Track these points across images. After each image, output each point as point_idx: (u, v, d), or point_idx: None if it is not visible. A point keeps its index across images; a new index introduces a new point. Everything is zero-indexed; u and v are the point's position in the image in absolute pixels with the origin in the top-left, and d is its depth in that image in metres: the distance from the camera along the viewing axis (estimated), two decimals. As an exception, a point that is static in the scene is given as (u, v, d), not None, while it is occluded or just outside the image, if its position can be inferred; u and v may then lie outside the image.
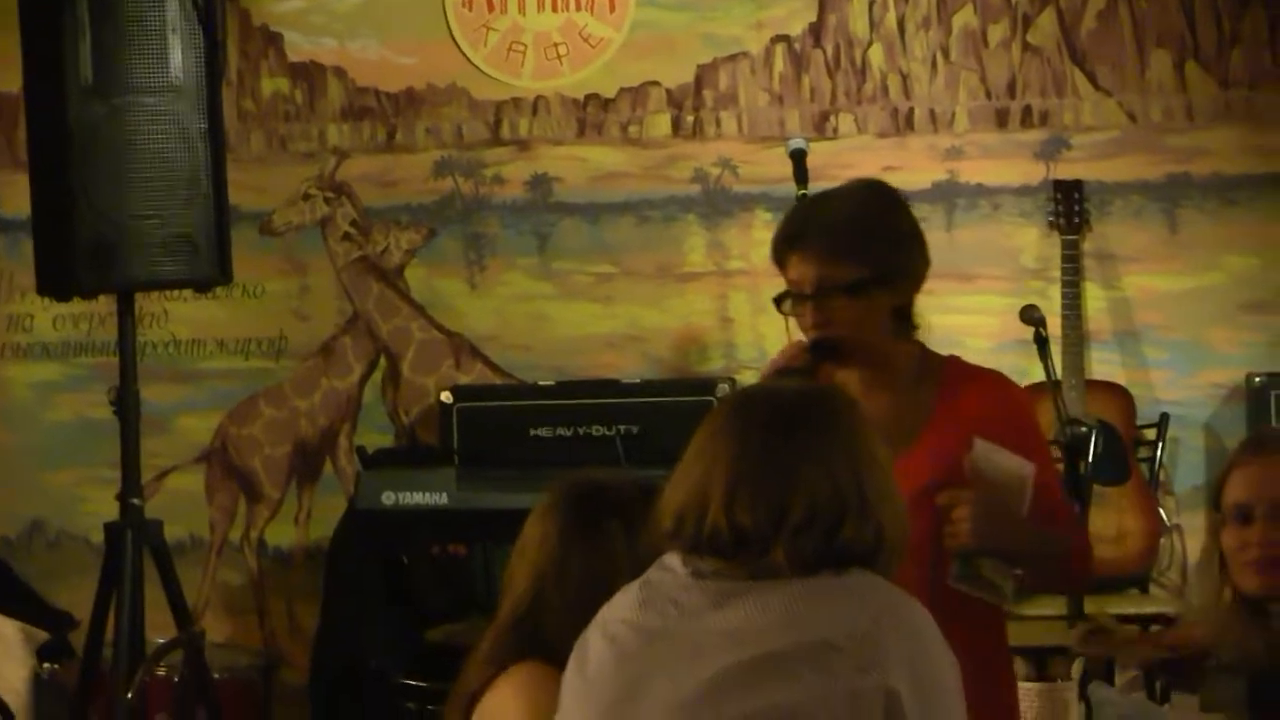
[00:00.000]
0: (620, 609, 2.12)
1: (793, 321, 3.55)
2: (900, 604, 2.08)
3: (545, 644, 2.40)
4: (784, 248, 2.96)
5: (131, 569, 4.18)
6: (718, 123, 5.44)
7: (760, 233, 5.37)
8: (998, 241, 5.40)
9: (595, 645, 2.12)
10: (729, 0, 5.36)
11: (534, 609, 2.45)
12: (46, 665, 4.55)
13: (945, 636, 2.16)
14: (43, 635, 4.65)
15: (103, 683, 4.24)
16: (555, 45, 5.37)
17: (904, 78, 5.40)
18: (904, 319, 3.00)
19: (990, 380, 3.10)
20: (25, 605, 4.80)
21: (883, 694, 1.94)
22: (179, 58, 4.18)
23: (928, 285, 4.83)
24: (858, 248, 2.89)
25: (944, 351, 4.57)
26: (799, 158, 4.94)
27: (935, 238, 4.59)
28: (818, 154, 5.13)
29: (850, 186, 3.31)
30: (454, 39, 5.33)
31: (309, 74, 5.42)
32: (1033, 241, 5.36)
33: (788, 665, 1.98)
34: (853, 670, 1.95)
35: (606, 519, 2.43)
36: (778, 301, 3.06)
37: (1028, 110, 5.40)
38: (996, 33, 5.36)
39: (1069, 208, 5.19)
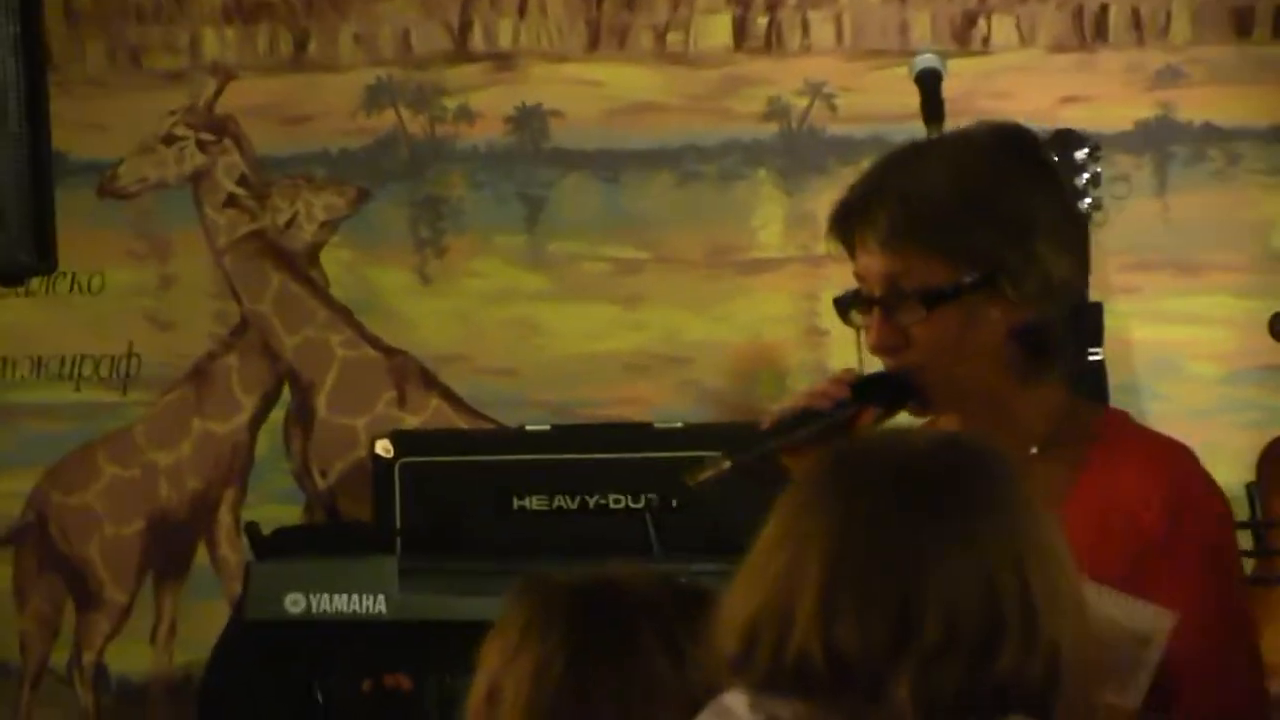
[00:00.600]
0: None
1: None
2: None
3: None
4: (843, 225, 2.19)
5: None
6: (804, 28, 4.36)
7: None
8: (1237, 213, 4.32)
9: None
10: None
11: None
12: None
13: None
14: None
15: None
16: None
17: None
18: (1035, 349, 2.19)
19: (1167, 458, 2.27)
20: None
21: None
22: None
23: (1131, 277, 4.39)
24: (955, 233, 2.13)
25: (1156, 379, 4.36)
26: (930, 81, 3.85)
27: (1140, 208, 4.31)
28: (957, 76, 3.99)
29: (963, 136, 2.40)
30: None
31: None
32: None
33: None
34: None
35: (638, 631, 1.71)
36: (839, 305, 2.29)
37: None
38: None
39: None
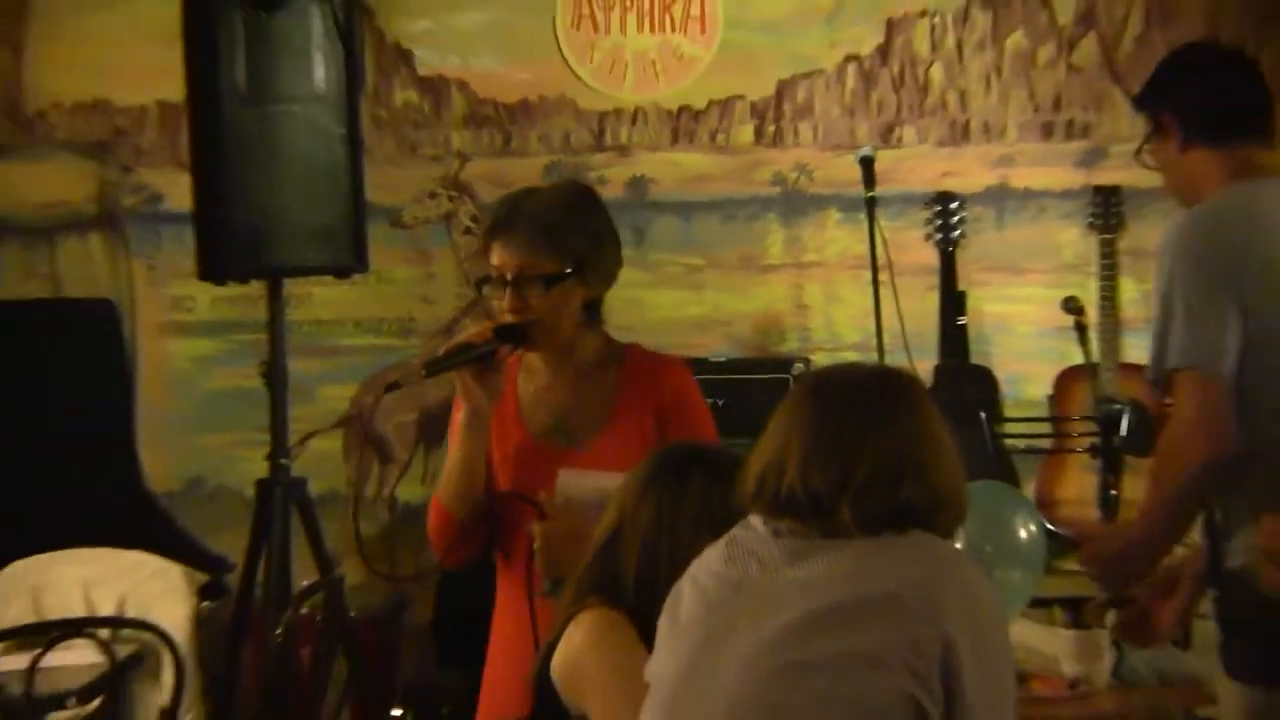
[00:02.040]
0: (709, 562, 2.09)
1: (858, 304, 4.41)
2: (955, 561, 2.05)
3: (613, 581, 2.36)
4: (491, 234, 2.82)
5: (279, 520, 4.18)
6: (795, 132, 5.42)
7: (832, 231, 5.35)
8: (1043, 240, 5.37)
9: (687, 594, 2.09)
10: (806, 23, 5.33)
11: (610, 545, 2.40)
12: (205, 604, 4.44)
13: None
14: (202, 577, 4.52)
15: (254, 620, 4.22)
16: (652, 63, 5.33)
17: (961, 94, 5.36)
18: (593, 310, 2.90)
19: (665, 368, 3.01)
20: (187, 551, 4.68)
21: (940, 641, 1.90)
22: (322, 71, 4.14)
23: (982, 276, 5.27)
24: (559, 243, 2.78)
25: (996, 335, 5.06)
26: (867, 164, 4.95)
27: (988, 236, 5.31)
28: (883, 160, 5.14)
29: (558, 186, 3.17)
30: (563, 56, 5.32)
31: (435, 87, 5.39)
32: (1073, 240, 5.33)
33: (855, 614, 1.93)
34: (913, 619, 1.91)
35: (692, 471, 2.36)
36: (478, 285, 2.97)
37: (1071, 123, 5.36)
38: (1044, 54, 5.35)
39: (1107, 210, 5.15)
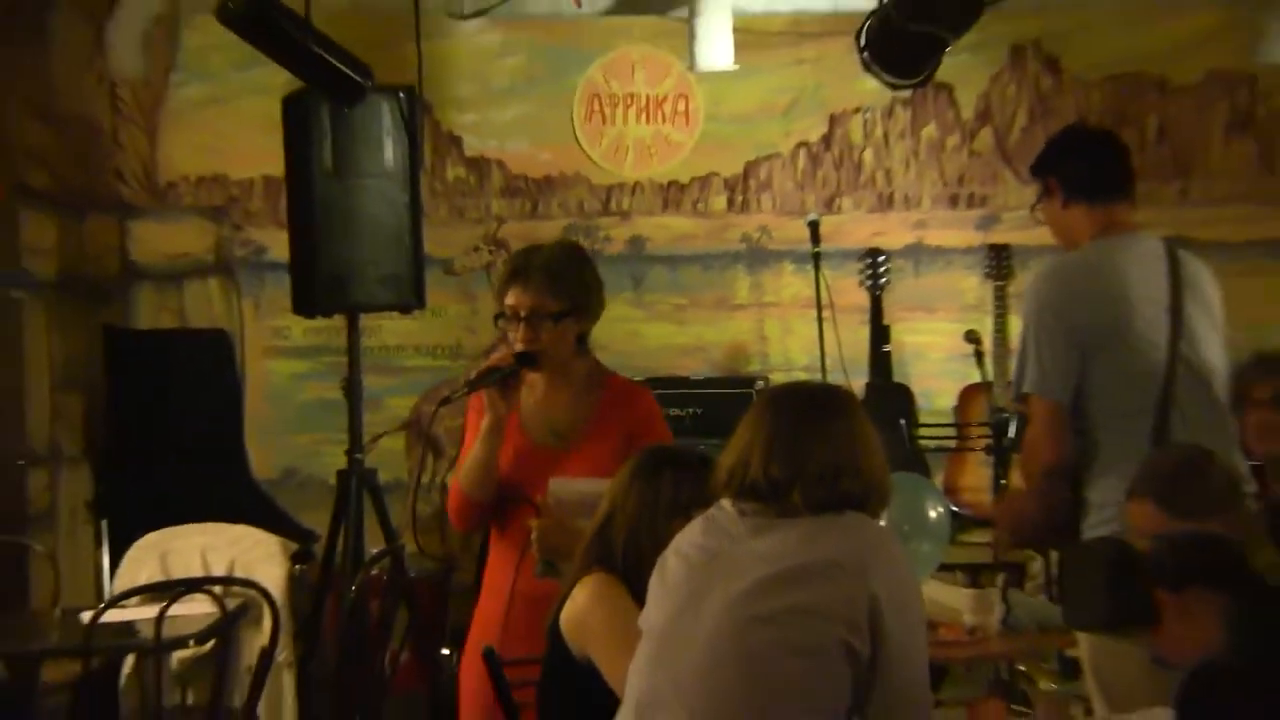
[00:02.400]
0: (691, 536, 2.11)
1: (807, 335, 4.44)
2: (881, 535, 2.07)
3: (611, 554, 2.36)
4: (509, 281, 2.84)
5: (355, 502, 4.25)
6: (758, 202, 5.49)
7: (787, 279, 5.38)
8: (950, 286, 5.45)
9: (673, 560, 2.10)
10: (768, 118, 5.43)
11: (605, 527, 2.40)
12: (297, 567, 4.45)
13: None
14: (294, 546, 4.51)
15: (334, 580, 4.29)
16: (648, 147, 5.44)
17: (886, 172, 5.43)
18: (583, 341, 2.92)
19: (636, 393, 3.01)
20: (283, 525, 4.70)
21: (868, 597, 1.93)
22: (391, 152, 4.19)
23: (903, 314, 5.21)
24: (562, 288, 2.80)
25: (914, 360, 5.05)
26: (814, 227, 5.09)
27: (907, 282, 5.33)
28: (827, 224, 5.22)
29: (559, 243, 3.24)
30: (579, 142, 5.43)
31: (479, 165, 5.45)
32: (974, 286, 5.38)
33: (802, 577, 1.96)
34: (848, 580, 1.94)
35: (665, 468, 2.38)
36: (496, 319, 2.94)
37: (972, 195, 5.43)
38: (951, 141, 5.41)
39: (999, 263, 5.20)
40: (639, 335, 5.32)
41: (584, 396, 2.89)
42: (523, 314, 2.77)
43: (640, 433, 2.83)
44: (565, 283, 2.79)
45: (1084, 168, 3.09)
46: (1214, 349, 2.98)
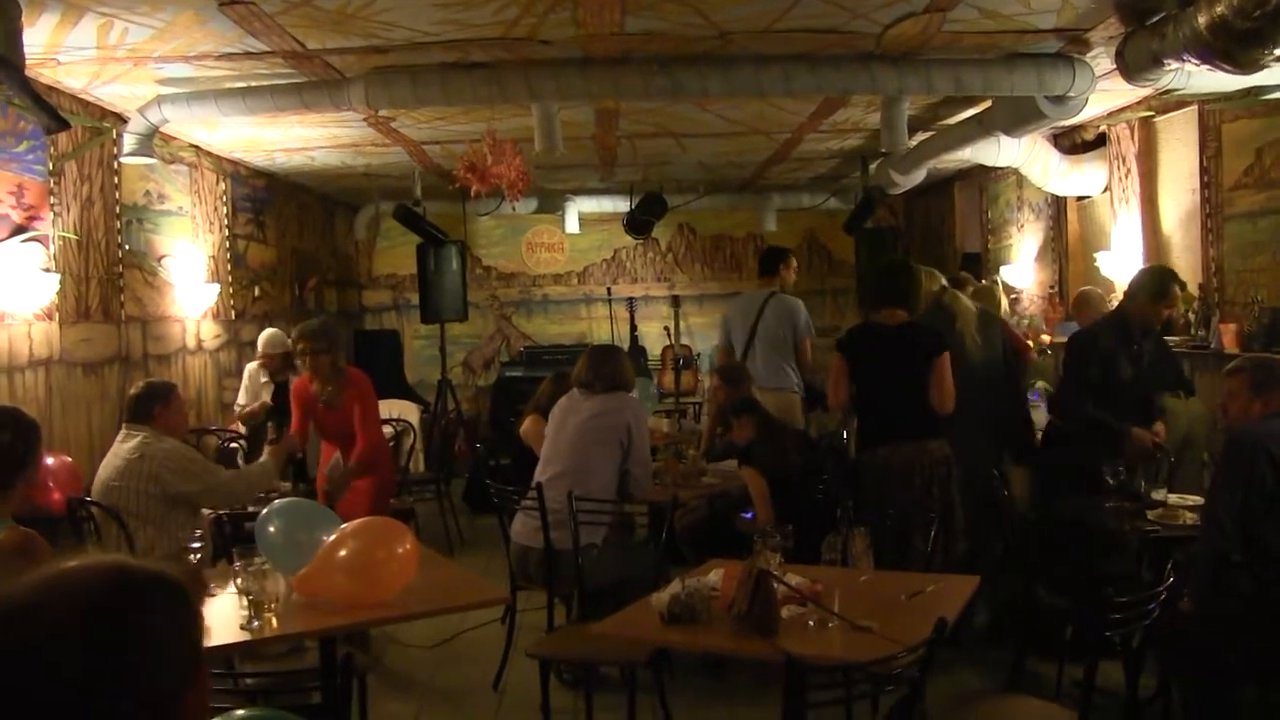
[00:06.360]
0: (564, 400, 4.02)
1: (604, 332, 10.46)
2: (631, 399, 3.53)
3: (541, 409, 4.42)
4: (299, 342, 4.31)
5: (443, 391, 10.14)
6: (591, 278, 11.18)
7: (599, 309, 11.40)
8: (655, 313, 11.32)
9: (558, 409, 4.08)
10: (594, 249, 11.26)
11: (542, 395, 4.47)
12: (424, 414, 8.65)
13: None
14: (421, 406, 9.29)
15: (437, 423, 8.80)
16: (547, 260, 11.33)
17: (637, 270, 11.17)
18: (337, 362, 4.50)
19: (358, 377, 4.47)
20: (418, 399, 9.28)
21: (626, 422, 3.80)
22: (455, 264, 9.19)
23: (644, 322, 11.93)
24: (322, 339, 4.37)
25: (644, 338, 11.38)
26: (609, 290, 11.06)
27: (652, 308, 11.35)
28: (615, 288, 11.29)
29: (317, 319, 4.62)
30: (524, 258, 11.43)
31: (487, 267, 11.43)
32: (668, 314, 11.04)
33: (603, 414, 3.80)
34: (619, 415, 3.86)
35: (561, 381, 4.29)
36: (297, 360, 4.25)
37: (664, 278, 11.23)
38: (656, 256, 11.18)
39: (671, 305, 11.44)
40: (544, 330, 11.32)
41: (339, 383, 4.51)
42: (308, 354, 4.29)
43: (363, 393, 4.41)
44: (325, 336, 4.37)
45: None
46: None
